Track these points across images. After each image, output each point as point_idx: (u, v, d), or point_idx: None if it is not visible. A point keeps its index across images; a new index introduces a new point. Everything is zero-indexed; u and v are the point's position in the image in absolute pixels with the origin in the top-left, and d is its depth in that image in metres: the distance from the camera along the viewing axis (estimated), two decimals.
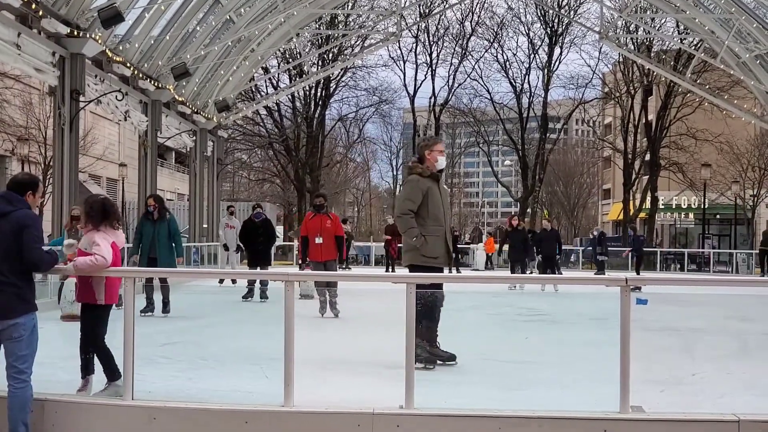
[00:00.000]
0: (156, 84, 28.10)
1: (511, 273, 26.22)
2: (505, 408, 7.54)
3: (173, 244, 17.07)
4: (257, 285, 19.21)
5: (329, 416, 7.45)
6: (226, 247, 25.79)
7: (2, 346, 7.27)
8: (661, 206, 61.01)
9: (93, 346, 8.30)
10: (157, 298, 16.31)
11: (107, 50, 23.95)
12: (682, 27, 45.41)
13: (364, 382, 9.43)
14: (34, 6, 19.64)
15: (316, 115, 57.17)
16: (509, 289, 22.93)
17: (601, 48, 55.10)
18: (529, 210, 59.33)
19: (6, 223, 7.16)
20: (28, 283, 7.34)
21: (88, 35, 21.78)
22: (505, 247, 28.57)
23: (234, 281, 22.48)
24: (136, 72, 26.57)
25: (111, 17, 21.45)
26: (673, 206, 65.95)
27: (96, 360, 8.26)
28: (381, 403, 7.55)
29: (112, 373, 8.23)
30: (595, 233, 35.99)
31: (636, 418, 7.33)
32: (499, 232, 36.66)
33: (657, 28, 48.73)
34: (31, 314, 7.32)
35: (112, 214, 8.49)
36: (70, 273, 8.21)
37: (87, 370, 8.28)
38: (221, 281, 22.38)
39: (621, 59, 55.35)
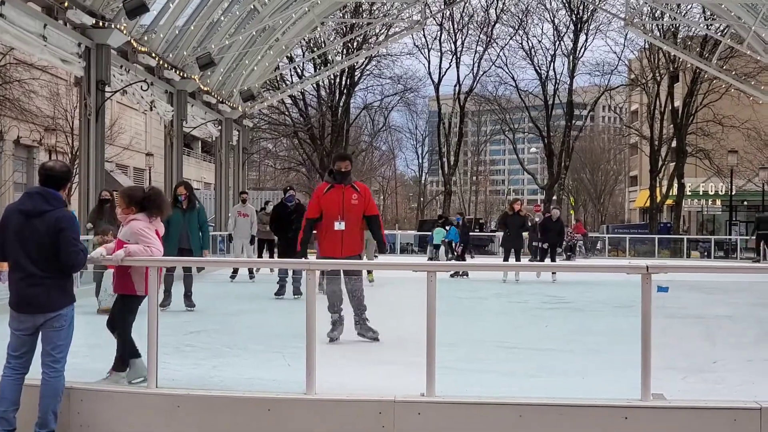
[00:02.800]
0: (181, 74, 28.20)
1: (505, 261, 24.19)
2: (526, 396, 7.59)
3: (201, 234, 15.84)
4: (290, 280, 17.29)
5: (351, 404, 7.50)
6: (230, 237, 23.91)
7: (40, 334, 7.35)
8: (688, 193, 60.60)
9: (121, 333, 8.36)
10: (178, 291, 15.28)
11: (132, 41, 24.05)
12: (708, 13, 45.08)
13: (386, 370, 9.48)
14: None
15: (341, 104, 57.22)
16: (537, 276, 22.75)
17: (626, 35, 54.81)
18: (555, 197, 59.16)
19: (41, 223, 7.16)
20: (67, 276, 7.41)
21: (113, 26, 21.87)
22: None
23: (252, 276, 21.91)
24: (161, 62, 26.67)
25: (136, 8, 21.50)
26: (700, 193, 65.43)
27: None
28: (402, 390, 7.58)
29: (123, 363, 8.34)
30: (537, 220, 35.92)
31: (657, 405, 7.33)
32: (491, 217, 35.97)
33: (683, 14, 48.33)
34: (72, 305, 7.42)
35: (165, 209, 8.65)
36: (114, 263, 8.20)
37: (123, 364, 8.30)
38: (233, 275, 21.64)
39: (647, 46, 54.96)
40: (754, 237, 39.90)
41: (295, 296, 16.61)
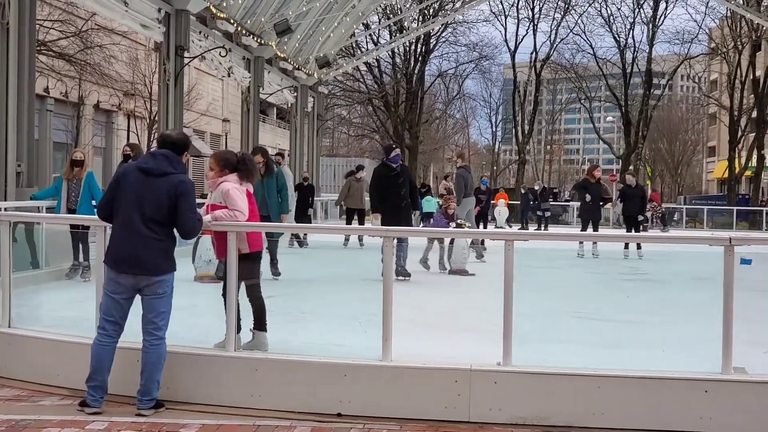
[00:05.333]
0: (259, 40, 28.31)
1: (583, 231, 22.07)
2: (604, 367, 7.52)
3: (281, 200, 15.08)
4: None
5: (427, 371, 7.51)
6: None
7: (141, 301, 7.40)
8: None
9: (249, 296, 8.48)
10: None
11: (211, 6, 24.16)
12: None
13: (463, 339, 9.47)
14: None
15: (416, 71, 57.06)
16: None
17: (708, 2, 53.79)
18: (631, 167, 58.46)
19: (164, 183, 7.22)
20: (174, 241, 7.46)
21: None
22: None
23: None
24: (239, 28, 26.79)
25: None
26: None
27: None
28: (479, 359, 7.57)
29: (261, 324, 8.51)
30: (536, 188, 35.55)
31: (738, 379, 7.24)
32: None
33: None
34: (174, 272, 7.47)
35: (256, 174, 8.81)
36: (205, 228, 8.25)
37: (261, 324, 8.45)
38: (300, 242, 20.26)
39: (728, 14, 53.87)
40: None
41: (400, 277, 14.70)
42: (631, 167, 57.67)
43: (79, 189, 14.36)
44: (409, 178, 15.89)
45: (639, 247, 20.04)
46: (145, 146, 41.67)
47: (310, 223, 24.27)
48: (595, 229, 22.00)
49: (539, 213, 33.74)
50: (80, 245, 14.27)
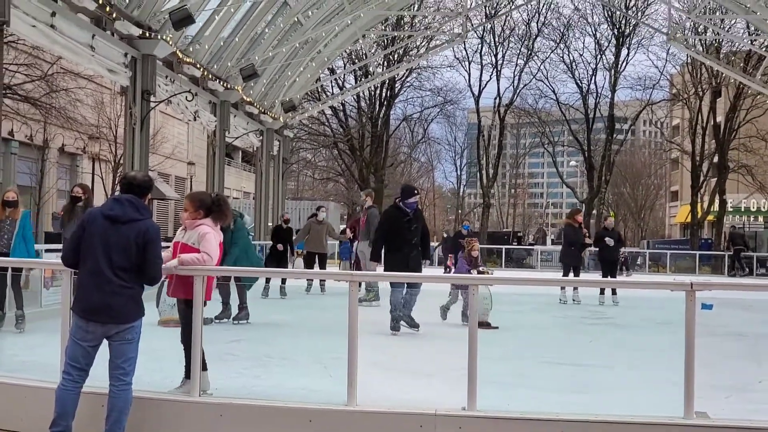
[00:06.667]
0: (225, 85, 28.39)
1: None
2: (567, 411, 7.56)
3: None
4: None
5: (392, 416, 7.53)
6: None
7: (109, 347, 7.29)
8: (730, 209, 60.01)
9: (185, 341, 8.34)
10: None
11: (178, 51, 24.23)
12: (752, 27, 44.71)
13: (428, 383, 9.49)
14: (108, 9, 19.93)
15: (381, 115, 57.31)
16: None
17: (669, 49, 54.45)
18: (594, 211, 58.84)
19: (130, 230, 7.14)
20: (142, 287, 7.38)
21: (159, 37, 22.06)
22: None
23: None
24: (205, 73, 26.87)
25: (182, 19, 21.65)
26: (742, 209, 64.92)
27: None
28: (444, 404, 7.60)
29: (202, 364, 8.27)
30: (452, 233, 35.40)
31: (700, 424, 7.29)
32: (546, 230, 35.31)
33: (726, 29, 47.96)
34: (143, 317, 7.40)
35: (229, 215, 8.78)
36: (167, 272, 8.19)
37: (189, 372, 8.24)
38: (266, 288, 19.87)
39: (689, 60, 54.59)
40: (731, 253, 40.79)
41: (401, 330, 13.98)
42: (594, 212, 58.07)
43: (13, 231, 13.31)
44: (422, 224, 14.50)
45: (614, 292, 19.87)
46: (110, 189, 41.59)
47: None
48: (576, 274, 21.08)
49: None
50: (12, 292, 13.20)
